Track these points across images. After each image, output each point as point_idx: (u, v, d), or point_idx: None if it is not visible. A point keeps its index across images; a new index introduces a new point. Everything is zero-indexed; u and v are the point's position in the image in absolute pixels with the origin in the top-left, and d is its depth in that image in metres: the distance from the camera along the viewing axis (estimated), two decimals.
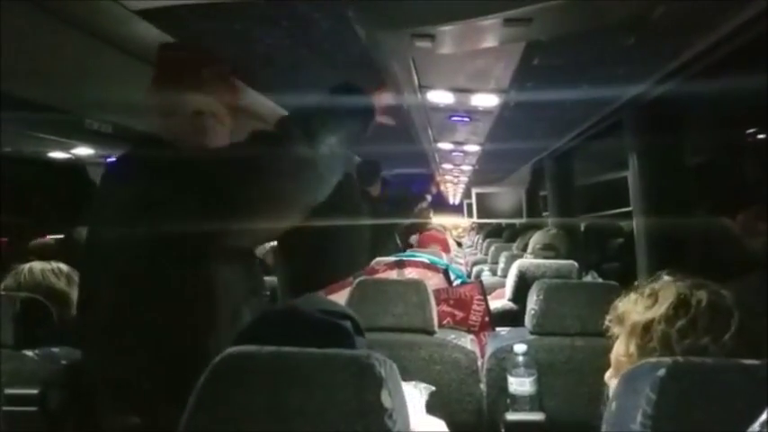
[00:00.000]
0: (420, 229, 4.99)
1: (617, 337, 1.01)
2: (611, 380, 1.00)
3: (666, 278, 1.00)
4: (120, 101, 1.69)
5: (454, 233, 7.26)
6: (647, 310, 0.95)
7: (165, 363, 1.18)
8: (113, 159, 1.37)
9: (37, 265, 1.83)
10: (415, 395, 1.15)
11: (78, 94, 1.58)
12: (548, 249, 3.00)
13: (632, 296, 1.00)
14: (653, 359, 0.76)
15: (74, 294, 1.76)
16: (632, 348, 0.95)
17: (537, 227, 3.82)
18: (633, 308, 0.97)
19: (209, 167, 1.21)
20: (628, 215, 2.52)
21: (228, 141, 1.38)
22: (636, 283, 1.04)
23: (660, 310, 0.93)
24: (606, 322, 1.04)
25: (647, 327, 0.93)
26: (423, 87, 1.73)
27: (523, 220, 5.30)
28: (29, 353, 1.57)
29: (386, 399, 0.76)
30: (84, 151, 2.53)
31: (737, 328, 0.87)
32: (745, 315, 0.89)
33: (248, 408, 0.78)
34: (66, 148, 2.42)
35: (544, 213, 4.80)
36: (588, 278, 3.12)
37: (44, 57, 1.43)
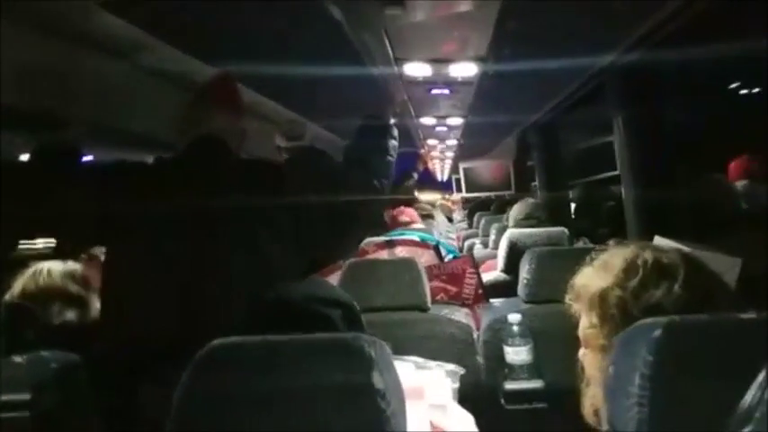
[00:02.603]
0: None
1: (579, 314, 1.02)
2: (585, 356, 1.01)
3: (614, 246, 1.03)
4: (96, 98, 1.65)
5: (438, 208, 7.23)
6: (600, 280, 0.96)
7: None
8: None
9: (55, 267, 1.80)
10: (442, 380, 1.12)
11: (45, 91, 1.54)
12: (529, 219, 3.00)
13: (585, 270, 1.02)
14: (648, 320, 0.75)
15: (89, 298, 1.77)
16: (594, 319, 0.96)
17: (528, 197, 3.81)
18: (588, 281, 0.99)
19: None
20: (617, 179, 2.52)
21: None
22: (591, 254, 1.05)
23: (611, 277, 0.95)
24: (567, 301, 1.04)
25: (603, 296, 0.95)
26: (398, 60, 1.69)
27: (512, 192, 5.30)
28: (18, 358, 1.54)
29: (377, 380, 0.74)
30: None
31: (683, 280, 0.90)
32: (691, 269, 0.92)
33: (236, 398, 0.75)
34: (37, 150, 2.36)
35: (533, 183, 4.79)
36: (580, 244, 3.12)
37: (14, 58, 1.38)
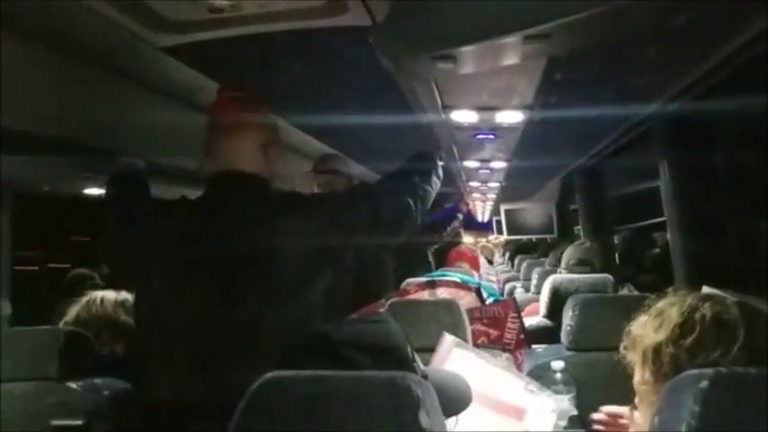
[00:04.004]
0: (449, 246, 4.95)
1: (634, 364, 0.99)
2: (636, 411, 0.99)
3: (671, 295, 0.99)
4: (151, 136, 1.75)
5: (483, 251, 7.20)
6: (655, 333, 0.93)
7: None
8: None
9: (108, 297, 1.85)
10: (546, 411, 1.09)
11: (109, 130, 1.64)
12: (582, 264, 2.92)
13: (642, 319, 0.99)
14: (695, 371, 0.75)
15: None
16: (647, 375, 0.94)
17: (570, 241, 3.75)
18: (643, 331, 0.96)
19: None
20: (662, 225, 2.47)
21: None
22: (647, 302, 1.02)
23: (666, 331, 0.91)
24: (621, 350, 1.02)
25: (656, 350, 0.92)
26: (446, 107, 1.75)
27: (554, 236, 5.23)
28: (72, 385, 1.60)
29: (424, 420, 0.75)
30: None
31: (744, 338, 0.85)
32: (752, 327, 0.87)
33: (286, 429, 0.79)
34: (100, 185, 2.50)
35: (575, 228, 4.73)
36: (624, 291, 3.05)
37: (72, 97, 1.50)
